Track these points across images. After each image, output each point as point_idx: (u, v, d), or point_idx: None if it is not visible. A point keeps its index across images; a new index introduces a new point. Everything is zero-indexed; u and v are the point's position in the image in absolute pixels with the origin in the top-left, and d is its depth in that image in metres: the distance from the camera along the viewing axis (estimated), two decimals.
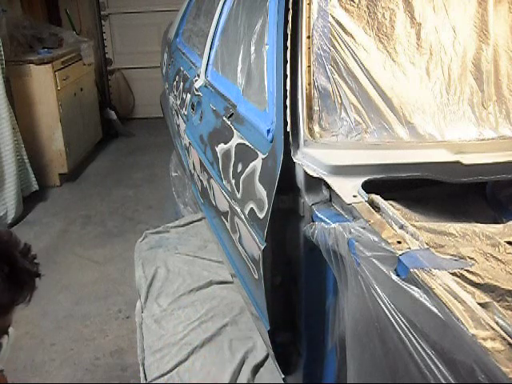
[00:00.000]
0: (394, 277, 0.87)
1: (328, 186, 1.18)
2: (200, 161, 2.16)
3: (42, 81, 3.96)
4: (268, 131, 1.42)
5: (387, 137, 1.33)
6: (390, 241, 0.93)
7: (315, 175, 1.20)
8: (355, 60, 1.38)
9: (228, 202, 1.69)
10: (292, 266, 1.37)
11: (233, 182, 1.63)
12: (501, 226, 1.09)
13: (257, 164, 1.46)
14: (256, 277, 1.45)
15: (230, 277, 2.37)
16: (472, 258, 0.90)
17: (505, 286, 0.83)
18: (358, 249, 0.98)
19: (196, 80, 2.41)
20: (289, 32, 1.39)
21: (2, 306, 0.99)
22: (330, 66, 1.37)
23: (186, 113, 2.53)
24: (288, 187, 1.30)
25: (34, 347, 2.36)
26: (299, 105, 1.33)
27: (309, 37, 1.39)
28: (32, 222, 3.64)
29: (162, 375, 2.12)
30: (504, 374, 0.65)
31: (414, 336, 0.81)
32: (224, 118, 1.82)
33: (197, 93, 2.33)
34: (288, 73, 1.36)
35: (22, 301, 1.02)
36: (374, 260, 0.93)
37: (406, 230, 0.97)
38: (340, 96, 1.35)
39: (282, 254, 1.38)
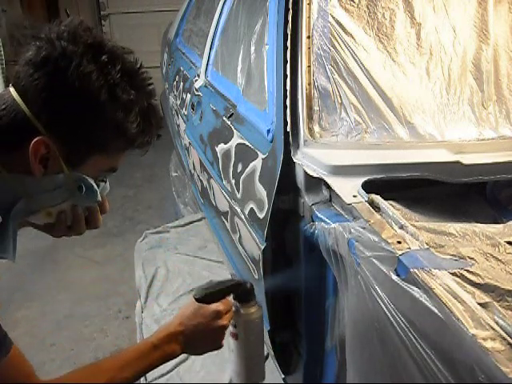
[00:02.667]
0: (394, 277, 0.87)
1: (328, 186, 1.18)
2: (200, 161, 2.16)
3: None
4: (268, 131, 1.42)
5: (387, 137, 1.33)
6: (389, 241, 0.93)
7: (315, 175, 1.20)
8: (355, 60, 1.38)
9: (228, 201, 1.69)
10: (292, 266, 1.37)
11: (233, 181, 1.63)
12: (501, 226, 1.09)
13: (257, 164, 1.46)
14: (256, 277, 1.45)
15: (230, 277, 2.37)
16: (472, 258, 0.90)
17: (505, 286, 0.83)
18: (358, 249, 0.98)
19: (196, 80, 2.41)
20: (289, 32, 1.39)
21: (129, 138, 0.86)
22: (330, 66, 1.37)
23: (186, 113, 2.53)
24: (288, 187, 1.30)
25: (34, 347, 2.36)
26: (299, 105, 1.33)
27: (309, 37, 1.39)
28: None
29: (162, 375, 2.12)
30: (504, 374, 0.65)
31: (414, 336, 0.81)
32: (224, 118, 1.82)
33: (197, 93, 2.33)
34: (288, 73, 1.36)
35: (142, 144, 0.90)
36: (374, 260, 0.93)
37: (406, 229, 0.97)
38: (340, 96, 1.35)
39: (282, 253, 1.38)
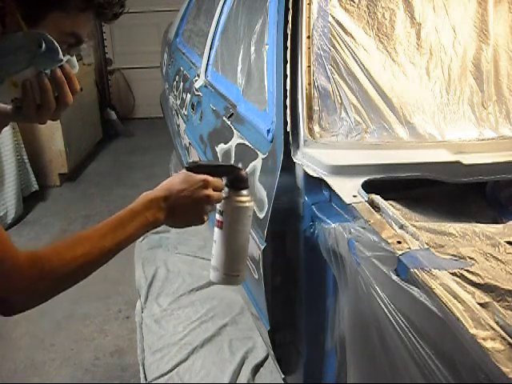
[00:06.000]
0: (394, 277, 0.87)
1: (328, 186, 1.18)
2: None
3: None
4: (268, 131, 1.42)
5: (387, 137, 1.33)
6: (389, 241, 0.93)
7: (315, 175, 1.20)
8: (355, 60, 1.38)
9: None
10: (292, 266, 1.37)
11: None
12: (501, 226, 1.09)
13: (257, 164, 1.46)
14: (256, 277, 1.45)
15: None
16: (472, 258, 0.90)
17: (505, 286, 0.83)
18: (358, 249, 0.98)
19: (196, 80, 2.41)
20: (289, 32, 1.39)
21: None
22: (330, 66, 1.37)
23: (186, 113, 2.53)
24: (288, 187, 1.30)
25: (34, 347, 2.36)
26: (299, 105, 1.33)
27: (309, 37, 1.39)
28: (32, 222, 3.64)
29: (162, 375, 2.13)
30: (504, 373, 0.65)
31: (413, 336, 0.81)
32: (224, 118, 1.82)
33: (197, 93, 2.33)
34: (288, 73, 1.36)
35: (101, 7, 0.87)
36: (374, 260, 0.93)
37: (406, 229, 0.97)
38: (340, 96, 1.35)
39: (282, 253, 1.38)
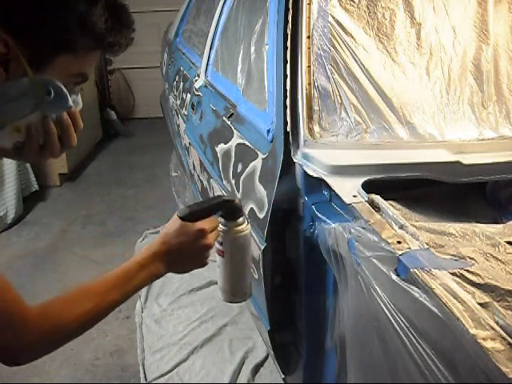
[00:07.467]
0: (394, 277, 0.87)
1: (328, 186, 1.18)
2: (200, 161, 2.16)
3: None
4: (268, 131, 1.42)
5: (387, 137, 1.33)
6: (389, 241, 0.93)
7: (315, 175, 1.20)
8: (355, 60, 1.38)
9: None
10: (292, 266, 1.37)
11: (233, 182, 1.63)
12: (501, 226, 1.09)
13: (257, 164, 1.46)
14: (256, 277, 1.45)
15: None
16: (472, 258, 0.90)
17: (505, 286, 0.83)
18: (358, 249, 0.98)
19: (196, 80, 2.41)
20: (289, 32, 1.39)
21: (97, 34, 0.82)
22: (329, 66, 1.37)
23: (186, 113, 2.53)
24: (288, 187, 1.30)
25: None
26: (299, 105, 1.33)
27: (309, 37, 1.39)
28: (32, 222, 3.64)
29: (162, 375, 2.13)
30: (504, 374, 0.65)
31: (414, 336, 0.81)
32: (224, 118, 1.82)
33: (197, 93, 2.33)
34: (288, 73, 1.36)
35: (111, 45, 0.87)
36: (374, 260, 0.93)
37: (406, 229, 0.97)
38: (340, 96, 1.35)
39: (282, 253, 1.38)
